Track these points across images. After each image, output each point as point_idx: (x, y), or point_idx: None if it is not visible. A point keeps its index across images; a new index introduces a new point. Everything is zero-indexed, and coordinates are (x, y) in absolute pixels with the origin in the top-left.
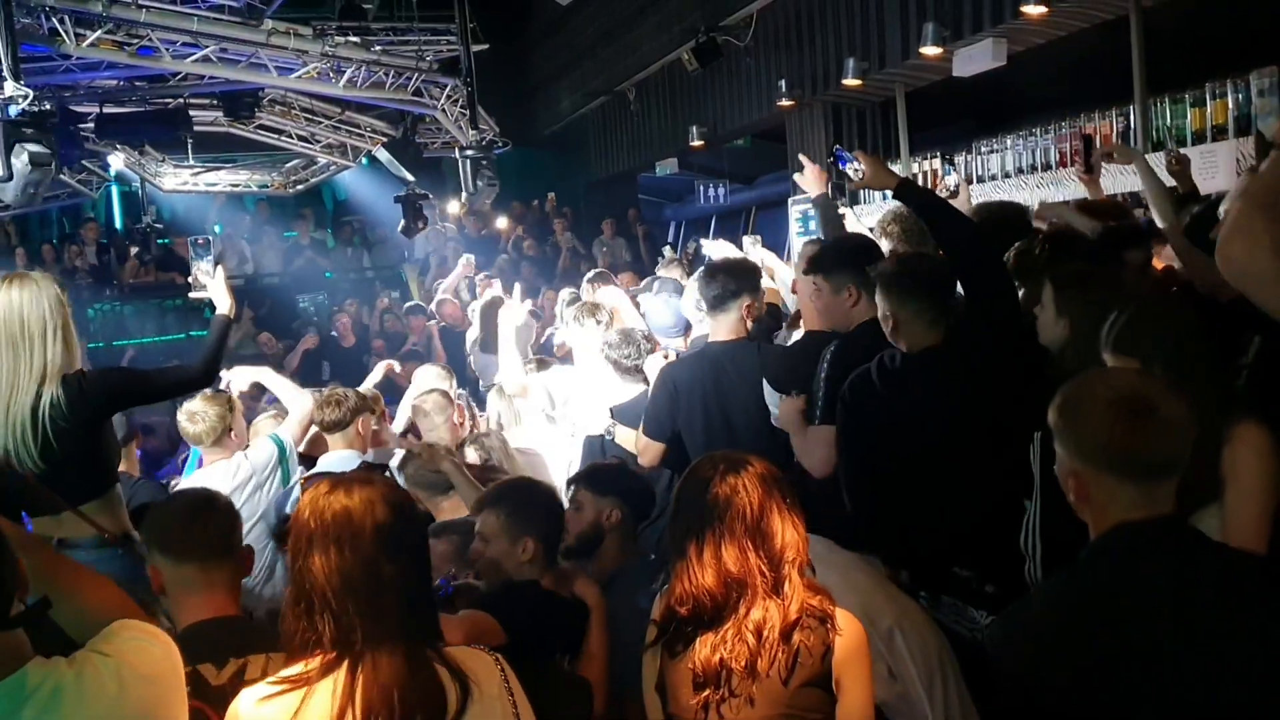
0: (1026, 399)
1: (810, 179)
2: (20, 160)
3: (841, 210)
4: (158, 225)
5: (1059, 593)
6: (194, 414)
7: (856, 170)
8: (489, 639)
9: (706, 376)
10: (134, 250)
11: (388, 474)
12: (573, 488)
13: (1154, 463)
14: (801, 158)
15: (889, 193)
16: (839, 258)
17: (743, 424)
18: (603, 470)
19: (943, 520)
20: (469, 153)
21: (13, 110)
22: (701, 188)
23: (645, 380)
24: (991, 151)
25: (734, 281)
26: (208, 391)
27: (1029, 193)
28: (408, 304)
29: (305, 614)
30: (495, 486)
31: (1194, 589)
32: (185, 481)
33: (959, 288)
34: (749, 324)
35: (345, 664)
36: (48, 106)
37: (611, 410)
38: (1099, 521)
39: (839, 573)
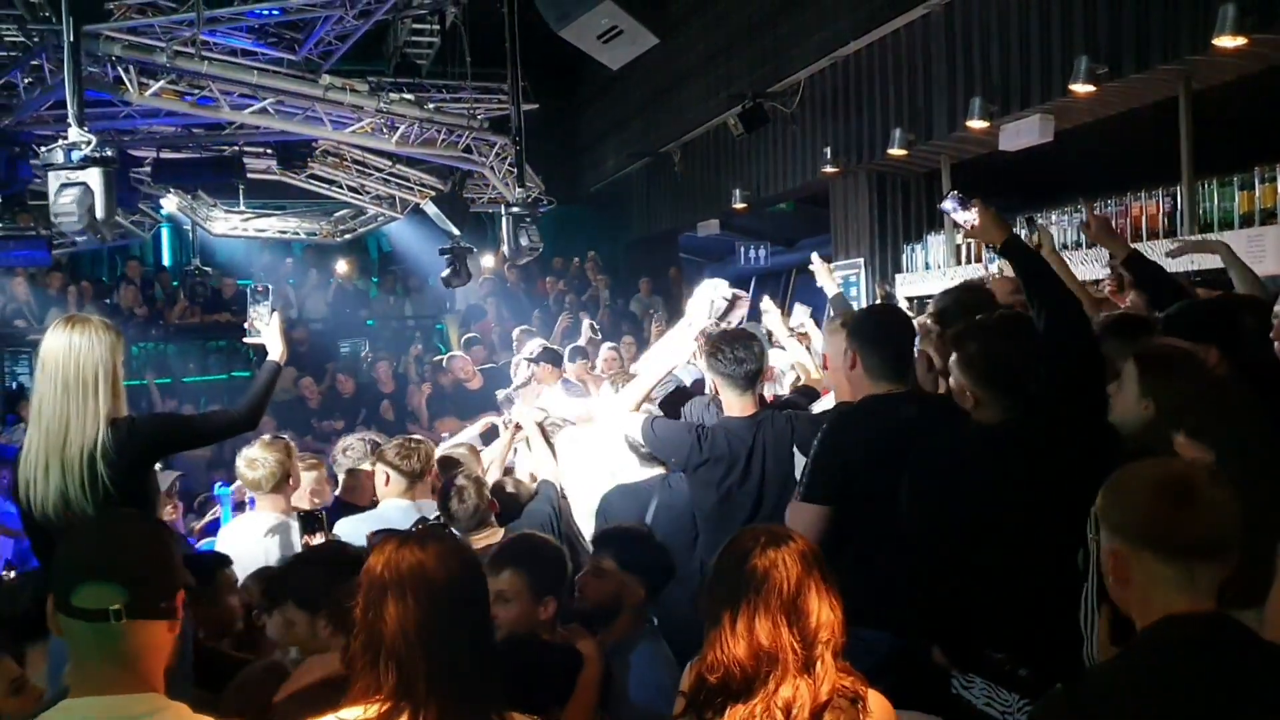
0: (1093, 474)
1: (823, 279)
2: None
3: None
4: (206, 269)
5: (1104, 685)
6: (253, 460)
7: (967, 220)
8: None
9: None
10: (183, 292)
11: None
12: (596, 549)
13: (1195, 542)
14: (814, 257)
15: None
16: (852, 319)
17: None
18: (633, 541)
19: (985, 600)
20: (514, 209)
21: (76, 155)
22: (742, 249)
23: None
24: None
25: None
26: (266, 438)
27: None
28: (437, 357)
29: (371, 662)
30: (508, 544)
31: (1243, 690)
32: (227, 528)
33: None
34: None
35: (405, 714)
36: (109, 153)
37: None
38: (1142, 610)
39: None
